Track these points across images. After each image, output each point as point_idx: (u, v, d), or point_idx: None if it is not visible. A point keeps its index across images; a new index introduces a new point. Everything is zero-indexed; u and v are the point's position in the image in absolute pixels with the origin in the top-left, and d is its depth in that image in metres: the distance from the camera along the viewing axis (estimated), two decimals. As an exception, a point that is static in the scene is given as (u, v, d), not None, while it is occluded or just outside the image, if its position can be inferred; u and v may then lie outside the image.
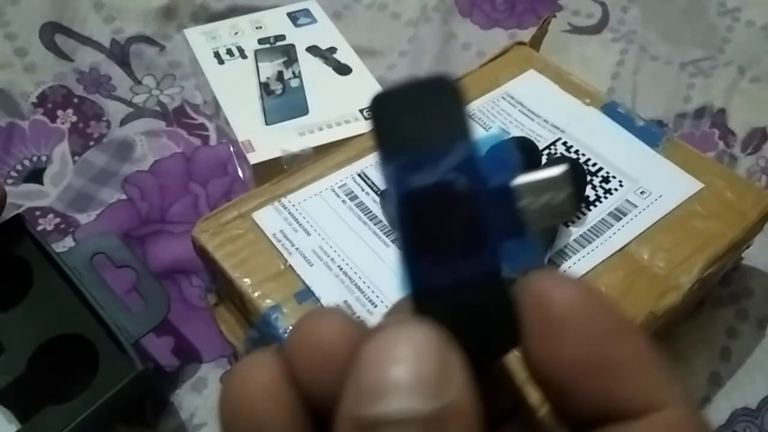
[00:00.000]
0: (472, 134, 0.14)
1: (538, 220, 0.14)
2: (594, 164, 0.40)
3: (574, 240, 0.37)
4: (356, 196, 0.38)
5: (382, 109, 0.14)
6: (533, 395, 0.15)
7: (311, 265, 0.35)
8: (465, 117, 0.14)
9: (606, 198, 0.39)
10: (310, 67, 0.50)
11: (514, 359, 0.15)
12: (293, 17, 0.54)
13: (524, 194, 0.14)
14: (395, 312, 0.16)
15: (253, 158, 0.44)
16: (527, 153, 0.39)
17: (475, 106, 0.44)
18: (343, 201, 0.38)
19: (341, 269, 0.35)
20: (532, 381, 0.14)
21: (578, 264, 0.36)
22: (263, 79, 0.49)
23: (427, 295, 0.14)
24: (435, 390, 0.12)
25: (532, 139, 0.41)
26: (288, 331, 0.33)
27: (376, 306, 0.34)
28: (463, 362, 0.13)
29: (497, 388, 0.16)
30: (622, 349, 0.14)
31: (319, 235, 0.36)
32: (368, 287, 0.34)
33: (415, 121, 0.14)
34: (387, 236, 0.36)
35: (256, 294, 0.34)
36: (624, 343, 0.14)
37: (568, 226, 0.37)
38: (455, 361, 0.13)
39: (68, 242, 0.45)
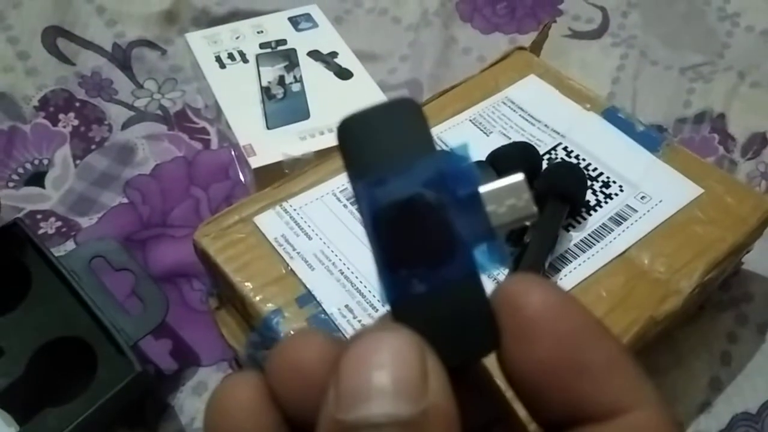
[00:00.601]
0: (435, 149, 0.15)
1: (505, 223, 0.15)
2: (594, 169, 0.40)
3: (575, 245, 0.37)
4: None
5: (348, 131, 0.15)
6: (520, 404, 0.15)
7: (312, 270, 0.35)
8: (428, 134, 0.15)
9: (606, 203, 0.39)
10: (312, 72, 0.51)
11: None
12: (294, 22, 0.55)
13: (489, 201, 0.15)
14: (378, 323, 0.16)
15: (255, 162, 0.44)
16: (528, 158, 0.39)
17: (475, 111, 0.44)
18: (345, 205, 0.38)
19: (342, 273, 0.35)
20: (507, 383, 0.15)
21: (579, 269, 0.36)
22: (264, 84, 0.50)
23: (405, 303, 0.14)
24: (414, 394, 0.12)
25: (532, 144, 0.41)
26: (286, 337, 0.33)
27: (377, 310, 0.34)
28: (441, 367, 0.13)
29: (484, 396, 0.16)
30: (592, 351, 0.14)
31: (321, 239, 0.36)
32: (369, 291, 0.34)
33: (380, 141, 0.15)
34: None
35: (257, 298, 0.34)
36: (594, 346, 0.14)
37: (568, 231, 0.37)
38: (433, 366, 0.13)
39: (69, 246, 0.45)
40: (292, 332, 0.33)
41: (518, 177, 0.15)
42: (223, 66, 0.51)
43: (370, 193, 0.14)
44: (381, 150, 0.15)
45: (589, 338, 0.14)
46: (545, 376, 0.14)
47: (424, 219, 0.14)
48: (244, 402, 0.14)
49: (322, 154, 0.43)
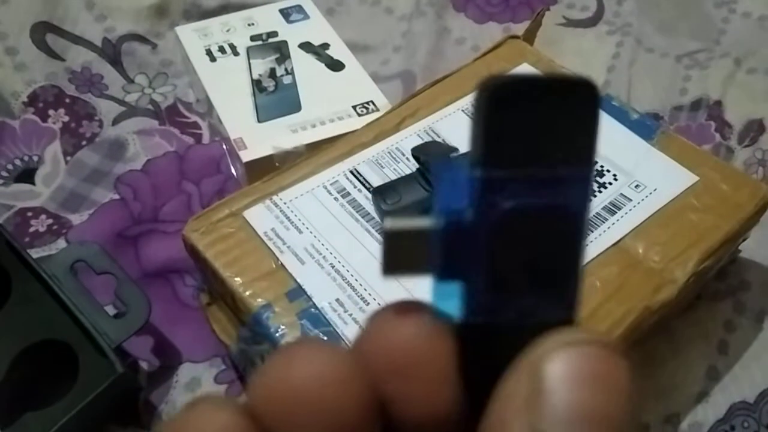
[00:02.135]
0: (594, 157, 0.12)
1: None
2: (588, 158, 0.40)
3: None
4: (348, 194, 0.38)
5: (497, 102, 0.12)
6: None
7: (303, 264, 0.35)
8: (595, 137, 0.12)
9: (600, 192, 0.38)
10: (303, 64, 0.50)
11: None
12: (285, 13, 0.54)
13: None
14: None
15: (246, 156, 0.43)
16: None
17: (468, 101, 0.43)
18: (335, 198, 0.38)
19: (333, 267, 0.35)
20: None
21: (572, 259, 0.35)
22: (255, 76, 0.49)
23: (482, 325, 0.12)
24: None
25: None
26: (278, 332, 0.33)
27: (368, 304, 0.33)
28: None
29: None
30: None
31: (311, 232, 0.36)
32: (360, 285, 0.34)
33: (534, 128, 0.12)
34: (380, 233, 0.36)
35: (247, 293, 0.34)
36: None
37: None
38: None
39: (61, 243, 0.45)
40: (281, 332, 0.33)
41: None
42: (213, 59, 0.50)
43: (499, 189, 0.12)
44: (529, 140, 0.12)
45: None
46: None
47: (552, 238, 0.12)
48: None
49: (313, 147, 0.43)
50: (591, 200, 0.12)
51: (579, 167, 0.12)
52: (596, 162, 0.12)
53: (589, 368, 0.11)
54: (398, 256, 0.12)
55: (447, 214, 0.12)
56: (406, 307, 0.13)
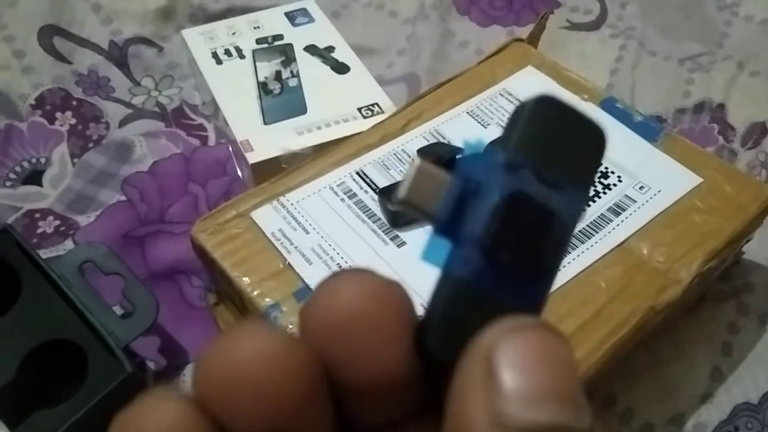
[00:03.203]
0: (590, 188, 0.14)
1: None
2: (593, 160, 0.40)
3: (573, 235, 0.36)
4: (355, 195, 0.38)
5: (544, 109, 0.14)
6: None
7: (310, 264, 0.35)
8: (596, 170, 0.14)
9: (605, 193, 0.38)
10: (308, 67, 0.50)
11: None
12: (291, 17, 0.54)
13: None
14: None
15: (252, 158, 0.44)
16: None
17: (473, 103, 0.44)
18: (342, 199, 0.38)
19: (340, 267, 0.35)
20: None
21: (577, 260, 0.36)
22: (261, 79, 0.49)
23: (466, 291, 0.13)
24: (581, 407, 0.12)
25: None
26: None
27: (375, 304, 0.34)
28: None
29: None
30: None
31: (318, 233, 0.36)
32: (367, 285, 0.34)
33: (557, 143, 0.14)
34: (386, 234, 0.36)
35: (255, 293, 0.34)
36: None
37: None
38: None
39: (68, 245, 0.45)
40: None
41: None
42: (219, 62, 0.51)
43: (521, 173, 0.14)
44: (552, 150, 0.14)
45: None
46: None
47: (539, 233, 0.14)
48: (170, 424, 0.12)
49: (319, 149, 0.43)
50: (578, 221, 0.14)
51: (578, 188, 0.14)
52: (590, 194, 0.15)
53: (537, 349, 0.12)
54: (416, 193, 0.14)
55: (465, 180, 0.14)
56: (350, 273, 0.13)
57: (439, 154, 0.40)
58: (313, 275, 0.35)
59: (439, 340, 0.13)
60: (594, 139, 0.14)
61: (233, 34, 0.53)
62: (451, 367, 0.13)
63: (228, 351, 0.12)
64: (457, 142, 0.41)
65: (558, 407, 0.12)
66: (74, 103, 0.53)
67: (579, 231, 0.37)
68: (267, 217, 0.37)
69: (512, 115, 0.14)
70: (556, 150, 0.14)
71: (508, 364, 0.12)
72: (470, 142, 0.14)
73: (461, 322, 0.13)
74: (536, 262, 0.14)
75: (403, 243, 0.36)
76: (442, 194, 0.14)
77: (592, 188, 0.14)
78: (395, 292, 0.13)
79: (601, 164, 0.15)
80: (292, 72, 0.50)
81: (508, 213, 0.13)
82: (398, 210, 0.14)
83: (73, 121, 0.52)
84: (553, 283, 0.14)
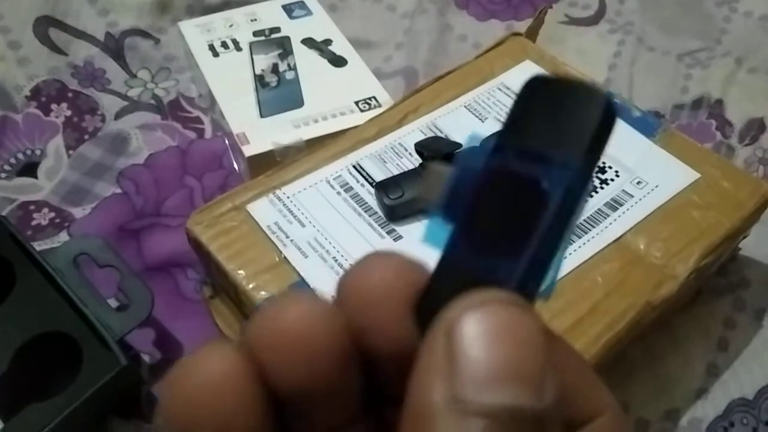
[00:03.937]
0: (594, 153, 0.14)
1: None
2: (590, 155, 0.40)
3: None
4: (351, 188, 0.38)
5: (529, 89, 0.14)
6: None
7: (306, 257, 0.35)
8: (599, 133, 0.14)
9: (602, 188, 0.38)
10: (306, 60, 0.50)
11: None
12: (288, 9, 0.54)
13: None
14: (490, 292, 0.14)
15: (248, 150, 0.43)
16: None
17: (470, 97, 0.43)
18: (338, 192, 0.38)
19: (336, 261, 0.35)
20: None
21: (574, 254, 0.35)
22: (258, 72, 0.49)
23: (446, 268, 0.14)
24: (543, 386, 0.12)
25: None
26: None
27: (371, 297, 0.33)
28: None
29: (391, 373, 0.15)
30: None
31: (314, 226, 0.36)
32: (363, 279, 0.34)
33: (549, 116, 0.14)
34: (382, 228, 0.36)
35: (250, 286, 0.34)
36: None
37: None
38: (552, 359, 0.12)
39: (63, 237, 0.45)
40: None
41: None
42: (216, 54, 0.50)
43: (500, 151, 0.14)
44: (541, 124, 0.14)
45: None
46: None
47: (524, 205, 0.13)
48: (220, 377, 0.13)
49: (315, 142, 0.43)
50: (571, 191, 0.13)
51: (569, 155, 0.13)
52: (593, 161, 0.14)
53: (498, 324, 0.12)
54: (427, 187, 0.15)
55: (463, 168, 0.14)
56: (383, 253, 0.15)
57: (437, 149, 0.39)
58: (309, 269, 0.34)
59: (420, 314, 0.14)
60: (593, 105, 0.14)
61: (230, 26, 0.53)
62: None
63: (279, 311, 0.14)
64: (455, 136, 0.41)
65: (516, 388, 0.11)
66: (70, 94, 0.53)
67: (575, 226, 0.37)
68: (263, 210, 0.37)
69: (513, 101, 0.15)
70: (544, 124, 0.14)
71: (467, 340, 0.12)
72: (470, 135, 0.15)
73: (438, 296, 0.13)
74: (515, 235, 0.13)
75: (400, 237, 0.36)
76: (443, 186, 0.15)
77: (601, 156, 0.14)
78: (417, 269, 0.14)
79: (610, 126, 0.14)
80: (289, 65, 0.50)
81: (482, 188, 0.14)
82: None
83: (69, 113, 0.52)
84: (552, 260, 0.14)
